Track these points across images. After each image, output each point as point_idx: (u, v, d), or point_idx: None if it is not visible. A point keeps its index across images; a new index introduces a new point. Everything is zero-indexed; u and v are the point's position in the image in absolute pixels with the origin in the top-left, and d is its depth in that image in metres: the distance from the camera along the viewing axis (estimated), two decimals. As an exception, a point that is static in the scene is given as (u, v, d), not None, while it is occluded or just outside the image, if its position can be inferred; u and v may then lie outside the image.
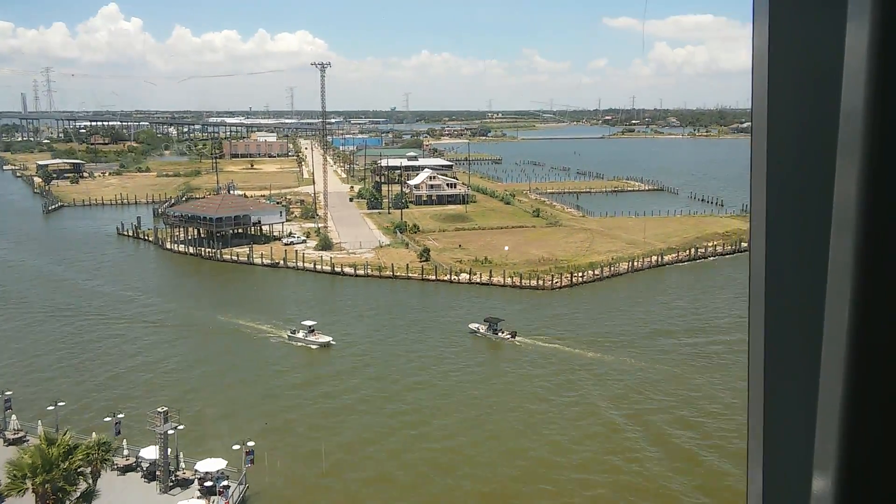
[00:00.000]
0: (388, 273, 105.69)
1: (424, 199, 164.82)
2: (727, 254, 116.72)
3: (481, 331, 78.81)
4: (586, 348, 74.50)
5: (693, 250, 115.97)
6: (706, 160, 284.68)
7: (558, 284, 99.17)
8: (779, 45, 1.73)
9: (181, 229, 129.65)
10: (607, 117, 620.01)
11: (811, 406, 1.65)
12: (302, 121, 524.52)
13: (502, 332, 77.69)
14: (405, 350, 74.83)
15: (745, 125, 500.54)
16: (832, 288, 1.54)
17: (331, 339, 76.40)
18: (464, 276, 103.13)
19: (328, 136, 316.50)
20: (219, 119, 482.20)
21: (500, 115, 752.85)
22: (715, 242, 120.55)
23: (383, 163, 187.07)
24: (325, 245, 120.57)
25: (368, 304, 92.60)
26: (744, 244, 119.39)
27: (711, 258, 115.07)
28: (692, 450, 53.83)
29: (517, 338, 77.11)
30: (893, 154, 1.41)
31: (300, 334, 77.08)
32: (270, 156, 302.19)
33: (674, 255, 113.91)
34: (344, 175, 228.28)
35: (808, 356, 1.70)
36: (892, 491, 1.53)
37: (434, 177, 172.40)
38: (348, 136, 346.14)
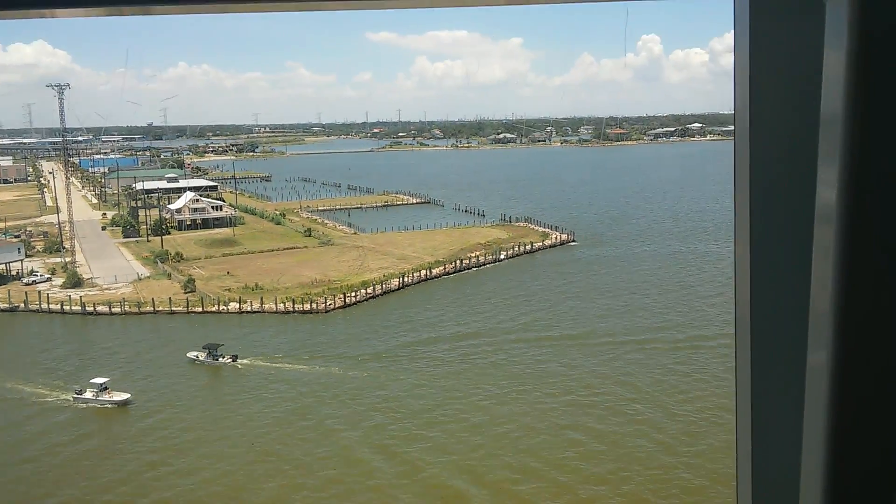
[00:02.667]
0: (150, 308, 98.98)
1: (188, 223, 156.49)
2: (488, 263, 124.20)
3: (200, 358, 78.38)
4: (304, 363, 76.74)
5: (458, 262, 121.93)
6: (468, 171, 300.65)
7: (332, 306, 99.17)
8: (759, 57, 1.77)
9: None
10: (375, 130, 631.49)
11: (797, 406, 1.68)
12: (45, 140, 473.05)
13: (223, 357, 78.00)
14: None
15: (500, 136, 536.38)
16: (816, 290, 1.58)
17: (129, 395, 68.64)
18: (234, 306, 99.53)
19: (76, 157, 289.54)
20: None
21: (267, 128, 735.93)
22: (478, 253, 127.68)
23: (140, 186, 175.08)
24: (75, 282, 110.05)
25: (123, 347, 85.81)
26: (503, 254, 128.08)
27: (475, 269, 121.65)
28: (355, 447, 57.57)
29: (238, 361, 77.84)
30: (872, 159, 1.47)
31: (89, 394, 68.30)
32: (6, 181, 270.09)
33: (441, 269, 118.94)
34: (95, 201, 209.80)
35: (793, 355, 1.75)
36: (878, 489, 1.56)
37: (198, 199, 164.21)
38: (98, 156, 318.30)
